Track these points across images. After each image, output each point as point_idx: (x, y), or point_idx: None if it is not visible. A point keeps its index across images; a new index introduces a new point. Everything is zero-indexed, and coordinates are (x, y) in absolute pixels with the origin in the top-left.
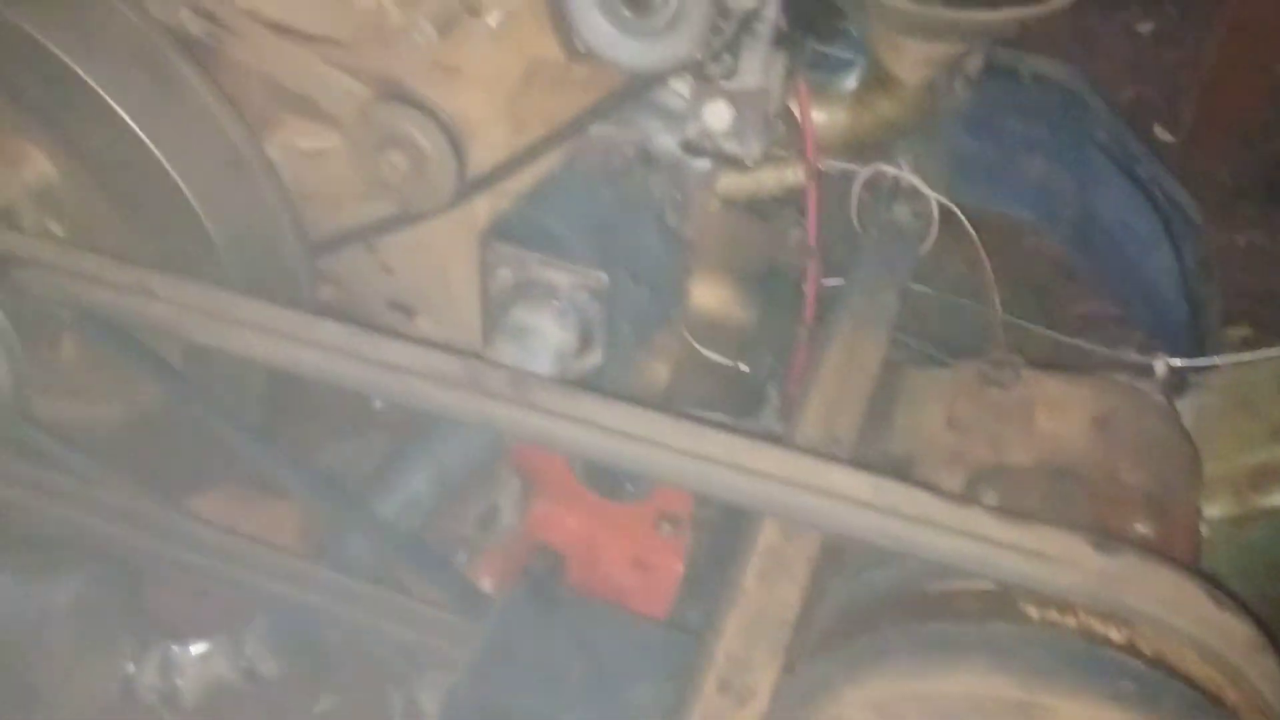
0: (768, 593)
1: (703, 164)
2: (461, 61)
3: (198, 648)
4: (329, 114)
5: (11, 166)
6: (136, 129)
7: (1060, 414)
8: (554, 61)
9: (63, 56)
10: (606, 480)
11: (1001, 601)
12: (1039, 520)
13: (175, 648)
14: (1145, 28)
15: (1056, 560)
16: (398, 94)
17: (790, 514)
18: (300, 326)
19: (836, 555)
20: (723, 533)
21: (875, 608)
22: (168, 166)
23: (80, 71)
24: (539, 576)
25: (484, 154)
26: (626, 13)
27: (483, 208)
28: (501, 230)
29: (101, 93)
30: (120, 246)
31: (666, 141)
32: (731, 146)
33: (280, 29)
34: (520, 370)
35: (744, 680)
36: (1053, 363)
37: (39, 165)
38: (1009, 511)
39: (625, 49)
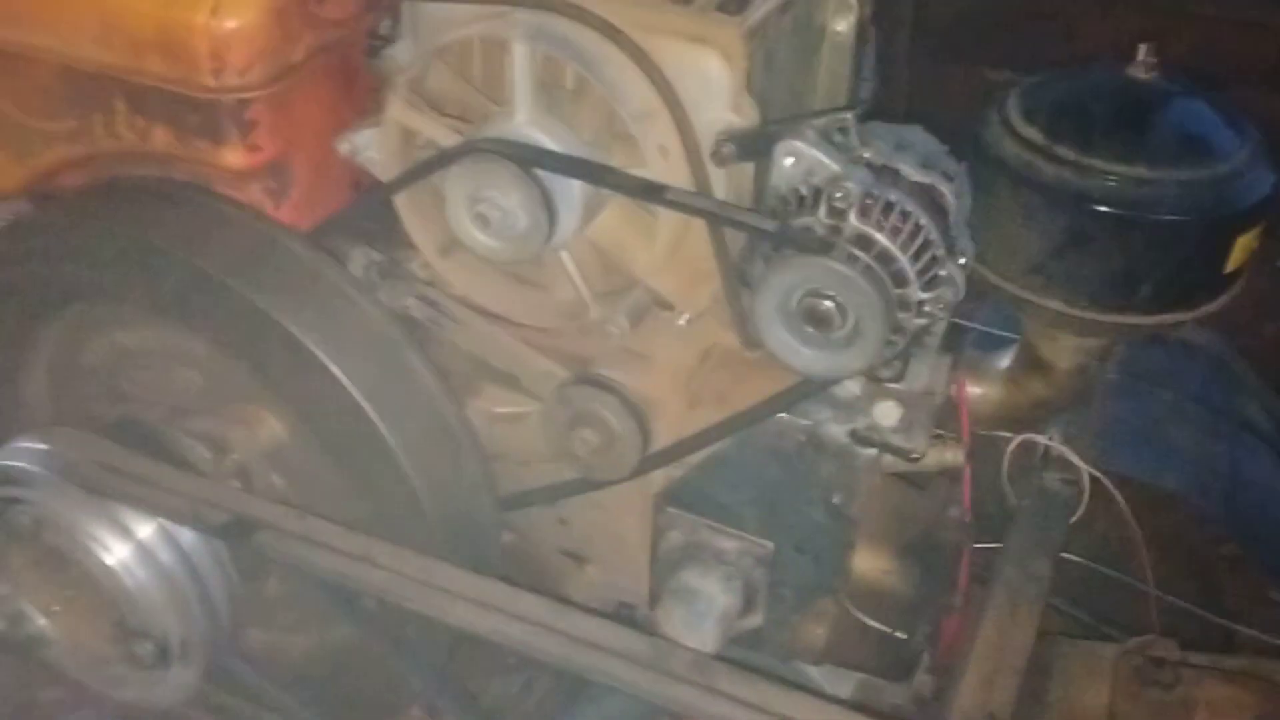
0: None
1: (870, 453)
2: (650, 349)
3: None
4: (528, 388)
5: (249, 428)
6: (362, 402)
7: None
8: (731, 348)
9: (303, 338)
10: None
11: None
12: None
13: None
14: None
15: None
16: (591, 377)
17: None
18: (503, 599)
19: None
20: None
21: None
22: (386, 436)
23: (317, 351)
24: None
25: (664, 428)
26: (809, 329)
27: (659, 474)
28: (675, 496)
29: (334, 370)
30: (336, 501)
31: (836, 430)
32: (899, 441)
33: (491, 316)
34: (704, 655)
35: None
36: (1207, 645)
37: (273, 428)
38: None
39: (805, 358)
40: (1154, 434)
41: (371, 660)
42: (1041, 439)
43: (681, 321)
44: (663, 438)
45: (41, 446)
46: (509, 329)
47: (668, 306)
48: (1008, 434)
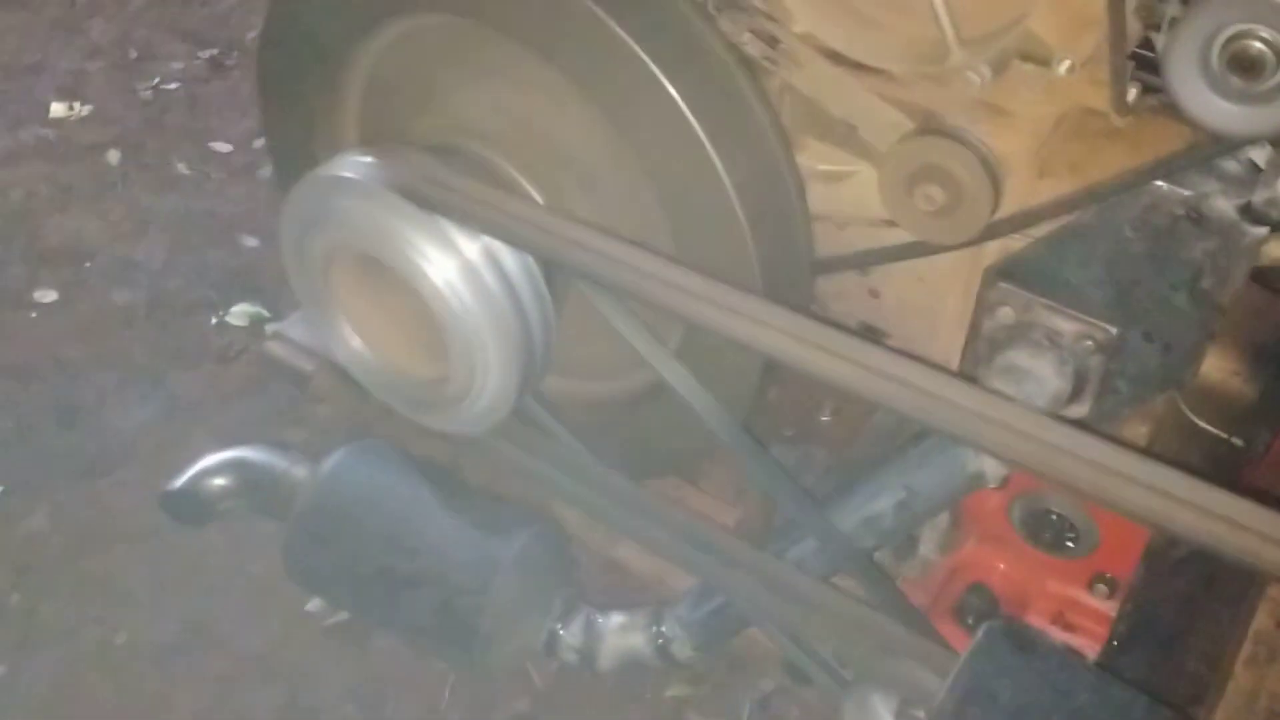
0: (1259, 679)
1: (1259, 232)
2: (1009, 104)
3: (619, 618)
4: (864, 142)
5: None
6: (700, 132)
7: None
8: (1095, 112)
9: (646, 58)
10: (1046, 532)
11: None
12: None
13: (599, 615)
14: None
15: None
16: (944, 128)
17: None
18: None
19: None
20: (1149, 604)
21: None
22: (721, 172)
23: (659, 74)
24: (1014, 619)
25: (1010, 198)
26: (1234, 78)
27: (992, 245)
28: (1009, 270)
29: (674, 95)
30: (653, 240)
31: (1223, 205)
32: None
33: (837, 58)
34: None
35: None
36: None
37: (597, 156)
38: None
39: (1221, 113)
40: None
41: (668, 412)
42: None
43: (1061, 70)
44: (1007, 205)
45: (369, 159)
46: (854, 73)
47: (1033, 58)
48: None
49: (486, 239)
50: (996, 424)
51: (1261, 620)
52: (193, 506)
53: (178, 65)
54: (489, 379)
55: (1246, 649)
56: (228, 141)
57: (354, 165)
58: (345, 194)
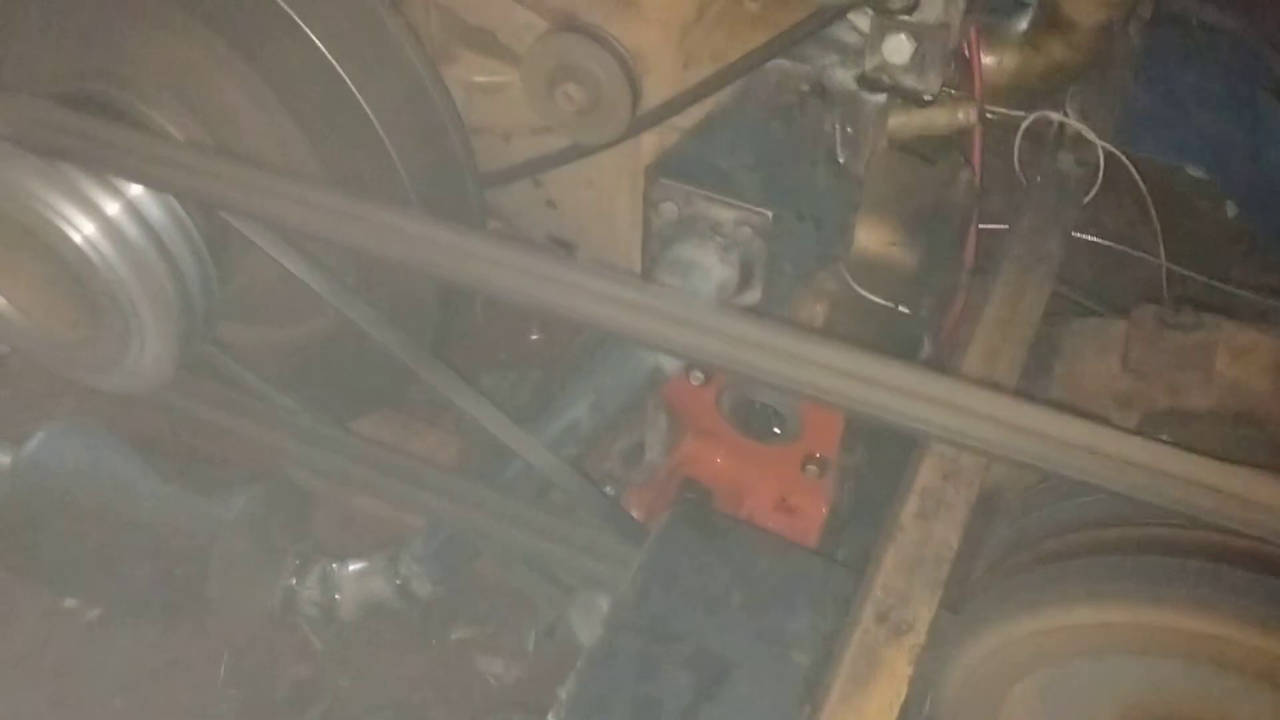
0: (926, 531)
1: (878, 99)
2: None
3: (355, 565)
4: (507, 48)
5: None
6: (337, 67)
7: (1242, 360)
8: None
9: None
10: (754, 421)
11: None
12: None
13: (334, 565)
14: None
15: (1239, 496)
16: (575, 26)
17: (961, 444)
18: (503, 253)
19: (992, 505)
20: (868, 480)
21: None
22: (363, 105)
23: (290, 11)
24: (698, 502)
25: (656, 88)
26: None
27: (649, 143)
28: (667, 165)
29: (307, 31)
30: (305, 167)
31: (842, 76)
32: (910, 81)
33: None
34: (693, 295)
35: (902, 614)
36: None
37: (239, 101)
38: (1185, 447)
39: None
40: (1175, 117)
41: (357, 349)
42: (1056, 116)
43: None
44: (655, 98)
45: None
46: None
47: None
48: (1020, 113)
49: (129, 190)
50: (656, 317)
51: (927, 476)
52: None
53: None
54: (146, 336)
55: (913, 503)
56: None
57: None
58: None
